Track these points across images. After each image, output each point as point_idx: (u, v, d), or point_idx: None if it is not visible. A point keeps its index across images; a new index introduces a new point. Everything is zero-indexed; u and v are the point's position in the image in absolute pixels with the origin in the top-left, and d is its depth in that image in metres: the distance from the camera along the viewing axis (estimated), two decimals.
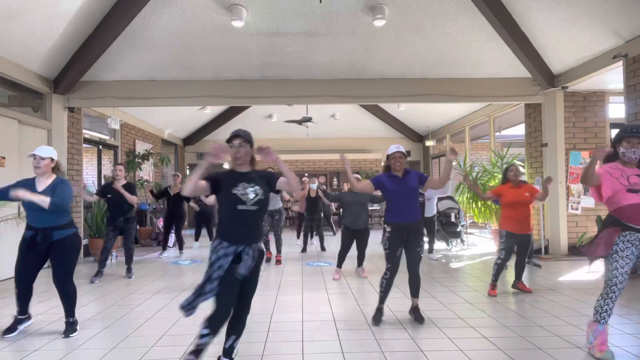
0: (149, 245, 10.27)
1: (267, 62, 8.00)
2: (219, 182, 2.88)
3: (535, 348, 3.42)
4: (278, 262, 7.57)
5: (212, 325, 2.79)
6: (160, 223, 10.44)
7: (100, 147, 9.85)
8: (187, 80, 8.35)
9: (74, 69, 7.42)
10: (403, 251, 4.13)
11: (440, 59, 8.03)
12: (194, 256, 8.59)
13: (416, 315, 4.16)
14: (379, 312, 4.18)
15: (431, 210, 8.15)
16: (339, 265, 6.31)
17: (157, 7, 6.59)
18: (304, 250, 9.07)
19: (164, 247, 8.92)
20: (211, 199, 6.01)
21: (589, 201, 8.03)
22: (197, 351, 2.81)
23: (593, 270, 6.43)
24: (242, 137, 2.96)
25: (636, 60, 6.30)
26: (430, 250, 8.08)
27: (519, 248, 5.34)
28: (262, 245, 3.02)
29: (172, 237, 9.42)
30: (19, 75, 6.83)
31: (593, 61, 7.09)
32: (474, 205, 9.38)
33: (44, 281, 6.24)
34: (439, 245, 9.58)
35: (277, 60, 7.95)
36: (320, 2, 6.43)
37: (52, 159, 3.94)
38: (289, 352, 3.39)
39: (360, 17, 6.94)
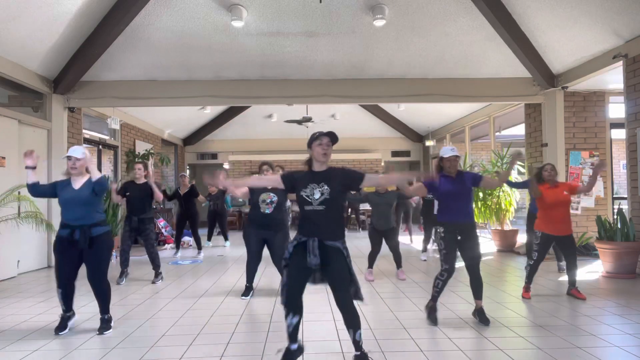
0: None
1: (267, 62, 8.00)
2: (295, 183, 3.13)
3: (535, 348, 3.42)
4: None
5: (285, 302, 3.05)
6: (160, 222, 10.45)
7: (100, 147, 9.84)
8: (187, 80, 8.35)
9: (74, 69, 7.41)
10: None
11: (440, 59, 8.02)
12: (194, 256, 8.58)
13: (481, 317, 4.07)
14: (432, 310, 4.13)
15: None
16: (370, 265, 6.26)
17: (157, 7, 6.59)
18: None
19: (177, 247, 9.05)
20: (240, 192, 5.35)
21: (589, 201, 8.04)
22: (290, 335, 3.07)
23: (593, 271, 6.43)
24: (331, 137, 3.11)
25: (636, 60, 6.30)
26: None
27: (563, 251, 5.07)
28: (341, 244, 3.07)
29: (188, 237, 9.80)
30: (19, 75, 6.83)
31: (593, 61, 7.09)
32: (473, 205, 9.37)
33: (43, 281, 6.25)
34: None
35: (277, 60, 7.95)
36: (321, 2, 6.43)
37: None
38: None
39: (360, 17, 6.93)
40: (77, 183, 3.98)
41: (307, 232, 3.04)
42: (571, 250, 4.99)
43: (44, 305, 4.91)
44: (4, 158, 6.49)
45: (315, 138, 3.11)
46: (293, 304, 3.05)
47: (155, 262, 6.23)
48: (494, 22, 6.78)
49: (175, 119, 12.71)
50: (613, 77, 7.25)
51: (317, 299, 5.08)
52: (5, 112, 6.66)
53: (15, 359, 3.38)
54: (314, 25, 7.11)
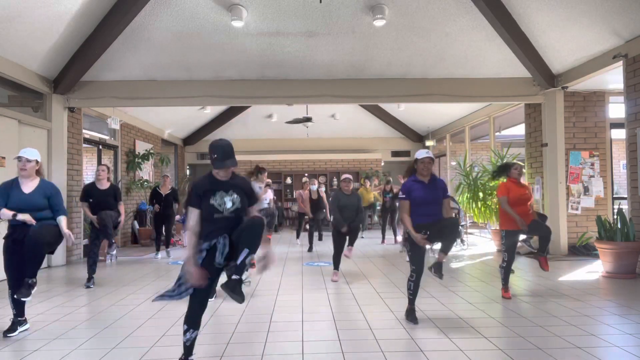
0: (149, 246, 10.25)
1: (267, 62, 8.00)
2: (201, 196, 2.94)
3: (535, 348, 3.42)
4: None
5: (190, 320, 3.00)
6: None
7: (100, 147, 9.84)
8: (187, 80, 8.35)
9: (74, 69, 7.42)
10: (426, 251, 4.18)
11: (440, 59, 8.03)
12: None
13: (436, 268, 4.32)
14: (411, 312, 4.16)
15: None
16: (336, 267, 6.25)
17: (157, 7, 6.59)
18: (310, 249, 9.18)
19: (158, 247, 8.68)
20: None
21: (589, 201, 8.04)
22: (187, 350, 3.00)
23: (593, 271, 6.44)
24: (230, 161, 3.02)
25: (636, 60, 6.30)
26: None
27: (536, 232, 5.09)
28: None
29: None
30: (19, 75, 6.83)
31: (593, 61, 7.09)
32: (474, 205, 9.37)
33: (42, 281, 6.25)
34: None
35: (277, 60, 7.95)
36: (321, 2, 6.43)
37: (37, 162, 3.90)
38: (289, 352, 3.39)
39: (360, 17, 6.94)
40: (27, 186, 3.83)
41: (214, 238, 2.93)
42: (540, 226, 5.03)
43: (43, 305, 4.90)
44: (4, 158, 6.49)
45: (214, 164, 3.02)
46: (194, 321, 2.99)
47: (91, 268, 5.83)
48: (494, 22, 6.78)
49: (175, 119, 12.72)
50: (613, 77, 7.26)
51: (317, 298, 5.09)
52: (5, 112, 6.66)
53: (15, 359, 3.38)
54: (314, 25, 7.12)
